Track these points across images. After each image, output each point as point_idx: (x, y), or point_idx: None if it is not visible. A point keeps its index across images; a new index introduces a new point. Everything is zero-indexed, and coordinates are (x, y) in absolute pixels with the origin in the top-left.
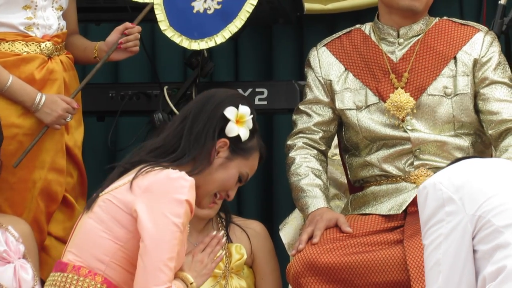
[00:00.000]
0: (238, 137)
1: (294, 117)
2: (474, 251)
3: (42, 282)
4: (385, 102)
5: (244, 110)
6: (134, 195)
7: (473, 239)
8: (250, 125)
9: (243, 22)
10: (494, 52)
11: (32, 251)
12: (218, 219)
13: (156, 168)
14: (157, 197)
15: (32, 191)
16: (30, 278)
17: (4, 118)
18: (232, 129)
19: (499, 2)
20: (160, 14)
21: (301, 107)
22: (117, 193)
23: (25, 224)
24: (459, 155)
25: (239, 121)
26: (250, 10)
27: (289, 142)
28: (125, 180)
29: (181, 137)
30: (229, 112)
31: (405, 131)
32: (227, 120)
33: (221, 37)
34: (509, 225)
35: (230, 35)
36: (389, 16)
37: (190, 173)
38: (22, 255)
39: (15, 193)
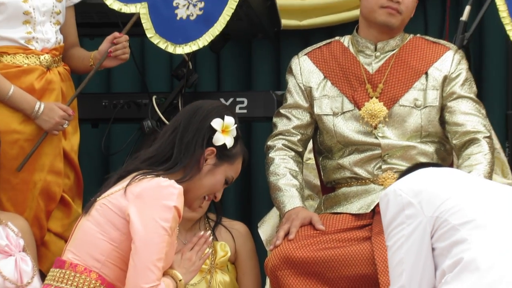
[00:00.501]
0: (224, 145)
1: (274, 119)
2: (433, 249)
3: (41, 274)
4: (360, 109)
5: (229, 120)
6: (128, 201)
7: (431, 238)
8: (234, 133)
9: (223, 25)
10: (462, 69)
11: (30, 245)
12: (205, 219)
13: (148, 176)
14: (148, 203)
15: (33, 191)
16: (29, 270)
17: (6, 124)
18: (219, 139)
19: (461, 18)
20: (147, 23)
21: (282, 110)
22: (113, 198)
23: (24, 220)
24: (423, 160)
25: (224, 130)
26: (230, 14)
27: (269, 143)
28: (120, 186)
29: (173, 147)
30: (216, 123)
31: (376, 137)
32: (214, 131)
33: (203, 41)
34: (464, 223)
35: (212, 38)
36: (368, 31)
37: (181, 180)
38: (22, 249)
39: (18, 193)
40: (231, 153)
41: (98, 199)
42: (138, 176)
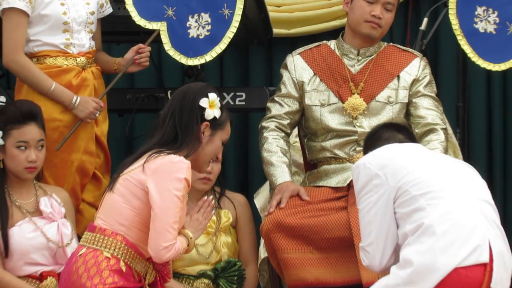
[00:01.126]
0: (214, 117)
1: (268, 104)
2: (395, 213)
3: (78, 236)
4: (343, 103)
5: (213, 96)
6: (146, 175)
7: (394, 203)
8: (219, 105)
9: (225, 45)
10: (427, 73)
11: (70, 213)
12: (212, 192)
13: (161, 154)
14: (162, 176)
15: (71, 168)
16: (69, 233)
17: (49, 114)
18: (209, 114)
19: (420, 28)
20: (165, 38)
21: (276, 98)
22: (133, 174)
23: (65, 192)
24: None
25: (211, 105)
26: (231, 36)
27: (263, 124)
28: (138, 164)
29: (175, 130)
30: (203, 102)
31: (354, 126)
32: (203, 108)
33: (209, 56)
34: (423, 193)
35: (216, 54)
36: (352, 38)
37: (187, 155)
38: (63, 216)
39: (58, 170)
40: (221, 121)
41: (121, 175)
42: (153, 155)
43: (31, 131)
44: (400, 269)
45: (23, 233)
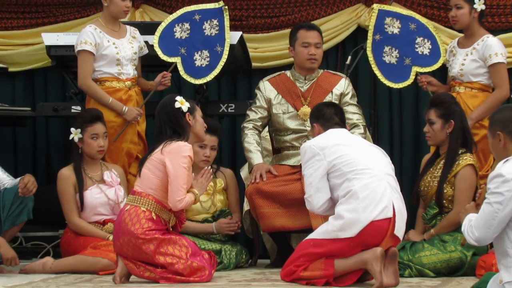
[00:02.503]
0: (188, 108)
1: (248, 112)
2: (329, 181)
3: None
4: (297, 111)
5: (179, 98)
6: (163, 156)
7: (328, 175)
8: (184, 100)
9: (218, 71)
10: (350, 89)
11: (123, 181)
12: (210, 167)
13: (172, 142)
14: (174, 155)
15: (121, 153)
16: (122, 194)
17: (107, 117)
18: (184, 108)
19: (346, 62)
20: (180, 68)
21: (253, 108)
22: (155, 155)
23: (120, 168)
24: None
25: (182, 103)
26: (222, 64)
27: (244, 125)
28: (158, 149)
29: (172, 128)
30: (177, 104)
31: (305, 126)
32: (179, 108)
33: (208, 78)
34: (351, 170)
35: (213, 77)
36: (300, 70)
37: (188, 139)
38: (118, 183)
39: (114, 154)
40: (193, 107)
41: (148, 157)
42: (167, 143)
43: (99, 127)
44: (335, 220)
45: (93, 195)
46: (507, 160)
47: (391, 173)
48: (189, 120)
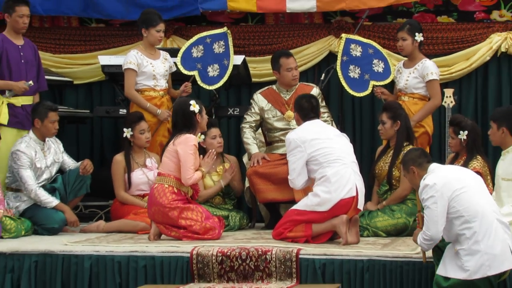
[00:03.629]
0: (198, 109)
1: (245, 116)
2: (307, 166)
3: None
4: (283, 115)
5: (192, 102)
6: (175, 146)
7: (308, 162)
8: (197, 104)
9: (226, 78)
10: (320, 95)
11: (159, 164)
12: (221, 155)
13: (181, 135)
14: (184, 145)
15: (156, 144)
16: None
17: (146, 117)
18: (195, 110)
19: (320, 78)
20: (198, 79)
21: (249, 113)
22: (170, 147)
23: (157, 156)
24: None
25: (194, 106)
26: (229, 74)
27: (243, 125)
28: (171, 142)
29: (186, 123)
30: (191, 106)
31: (290, 126)
32: (193, 110)
33: (219, 84)
34: (326, 160)
35: (223, 83)
36: (284, 85)
37: (195, 132)
38: (156, 168)
39: (151, 145)
40: (201, 108)
41: (166, 148)
42: (178, 135)
43: (143, 124)
44: (313, 197)
45: (137, 176)
46: (427, 176)
47: (354, 160)
48: (198, 118)
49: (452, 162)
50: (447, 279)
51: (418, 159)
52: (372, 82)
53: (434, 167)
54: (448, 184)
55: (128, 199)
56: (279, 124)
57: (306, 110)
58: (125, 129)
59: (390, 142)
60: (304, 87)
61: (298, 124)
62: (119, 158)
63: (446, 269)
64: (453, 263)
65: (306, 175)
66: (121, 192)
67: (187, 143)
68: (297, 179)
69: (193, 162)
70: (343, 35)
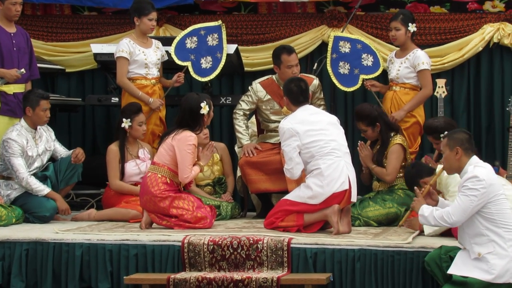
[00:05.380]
0: (207, 111)
1: (240, 102)
2: (300, 153)
3: None
4: (282, 108)
5: (203, 104)
6: (174, 142)
7: (300, 151)
8: (207, 106)
9: (218, 72)
10: (319, 88)
11: (152, 155)
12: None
13: (182, 131)
14: (182, 143)
15: (148, 132)
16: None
17: None
18: (204, 112)
19: (313, 68)
20: (191, 70)
21: (245, 100)
22: (169, 140)
23: (150, 146)
24: None
25: (205, 108)
26: (222, 66)
27: (236, 111)
28: (172, 134)
29: (190, 119)
30: (201, 109)
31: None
32: (202, 112)
33: (211, 77)
34: (321, 153)
35: (215, 76)
36: (283, 78)
37: (197, 131)
38: (149, 159)
39: (146, 134)
40: (210, 109)
41: (165, 137)
42: (178, 131)
43: (142, 116)
44: (306, 189)
45: (130, 166)
46: (476, 166)
47: (347, 149)
48: (205, 118)
49: (438, 160)
50: (464, 277)
51: (466, 143)
52: (362, 76)
53: (478, 160)
54: (494, 186)
55: (124, 186)
56: (274, 117)
57: (295, 94)
58: (124, 120)
59: (378, 138)
60: (305, 78)
61: (289, 108)
62: (114, 148)
63: (461, 268)
64: (472, 264)
65: (302, 164)
66: (116, 181)
67: (186, 142)
68: (295, 168)
69: (190, 162)
70: (332, 34)
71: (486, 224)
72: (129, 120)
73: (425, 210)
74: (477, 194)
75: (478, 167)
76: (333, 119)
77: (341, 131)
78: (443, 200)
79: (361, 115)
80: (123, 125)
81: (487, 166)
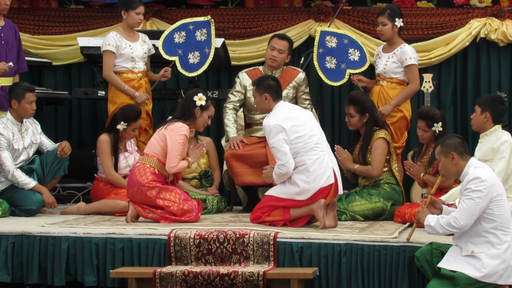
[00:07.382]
0: (201, 105)
1: (229, 95)
2: (291, 149)
3: None
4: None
5: (199, 95)
6: (166, 132)
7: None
8: (204, 98)
9: (206, 67)
10: (305, 81)
11: (140, 148)
12: (195, 138)
13: (174, 122)
14: (174, 133)
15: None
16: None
17: (123, 100)
18: (197, 103)
19: (300, 62)
20: (178, 65)
21: (233, 92)
22: (161, 130)
23: (134, 138)
24: None
25: (199, 99)
26: (209, 62)
27: (226, 105)
28: (164, 126)
29: (184, 111)
30: (195, 98)
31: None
32: (195, 101)
33: (198, 72)
34: (305, 148)
35: (202, 71)
36: (268, 67)
37: (190, 123)
38: (136, 151)
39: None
40: (205, 106)
41: (156, 130)
42: (172, 122)
43: (139, 123)
44: (292, 185)
45: (120, 160)
46: (476, 167)
47: (327, 142)
48: (197, 112)
49: (418, 154)
50: (452, 272)
51: (460, 147)
52: (349, 71)
53: (476, 161)
54: (496, 186)
55: (119, 179)
56: None
57: (275, 88)
58: (121, 122)
59: (360, 130)
60: (291, 71)
61: (267, 106)
62: (106, 138)
63: (452, 263)
64: (464, 260)
65: (292, 159)
66: (113, 172)
67: (178, 131)
68: (290, 162)
69: (180, 152)
70: (318, 28)
71: (486, 226)
72: (126, 124)
73: (431, 220)
74: (481, 195)
75: (478, 168)
76: (309, 113)
77: (318, 124)
78: (446, 207)
79: (356, 100)
80: (118, 126)
81: (486, 167)
